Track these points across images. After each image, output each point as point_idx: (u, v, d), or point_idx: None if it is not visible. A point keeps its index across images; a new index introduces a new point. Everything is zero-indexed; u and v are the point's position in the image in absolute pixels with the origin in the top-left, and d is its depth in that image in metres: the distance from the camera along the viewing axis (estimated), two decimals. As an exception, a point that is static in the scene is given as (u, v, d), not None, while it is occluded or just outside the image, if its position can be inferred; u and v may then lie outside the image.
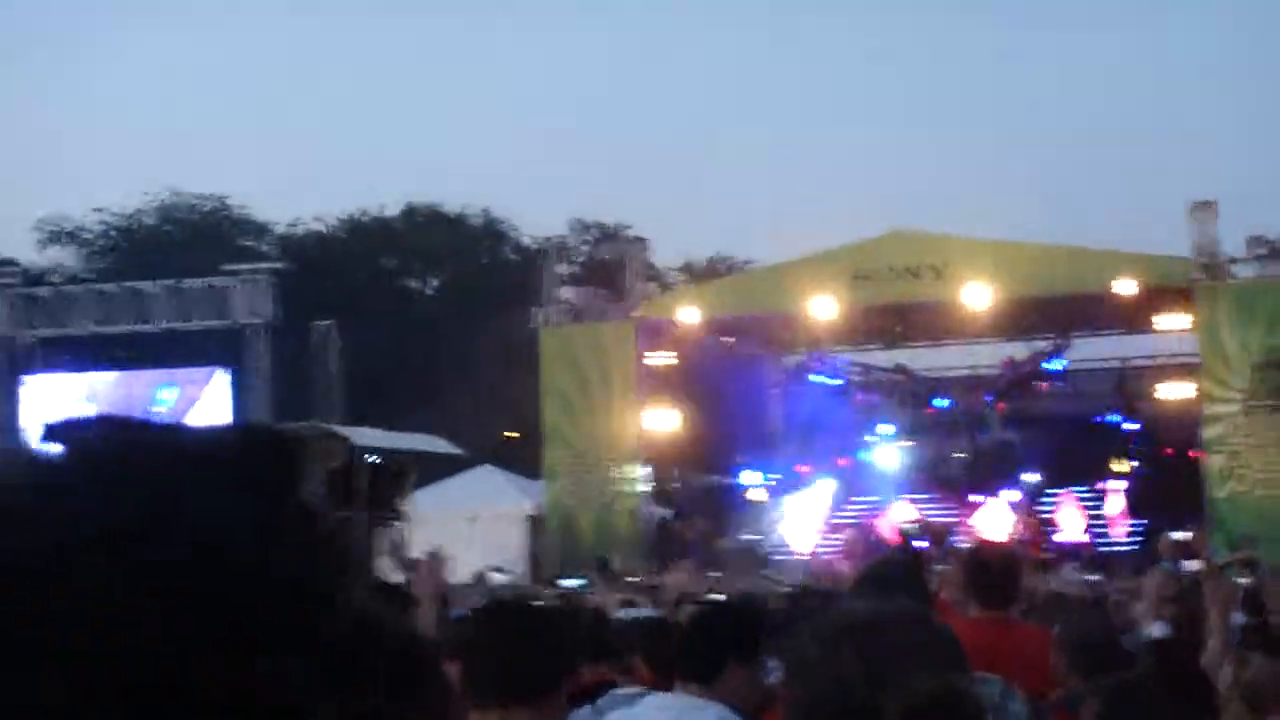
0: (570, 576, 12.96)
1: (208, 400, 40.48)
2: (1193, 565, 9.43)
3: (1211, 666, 7.12)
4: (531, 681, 4.59)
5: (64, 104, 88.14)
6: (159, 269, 42.06)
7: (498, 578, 20.26)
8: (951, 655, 3.01)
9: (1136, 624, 9.37)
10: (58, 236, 56.67)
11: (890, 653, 2.87)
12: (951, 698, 2.87)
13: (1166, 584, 9.13)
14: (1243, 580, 9.43)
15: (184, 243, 51.56)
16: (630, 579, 20.04)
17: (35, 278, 47.44)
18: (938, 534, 28.43)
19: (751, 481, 35.55)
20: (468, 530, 30.86)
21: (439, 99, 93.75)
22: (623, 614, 9.88)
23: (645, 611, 10.36)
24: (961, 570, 6.98)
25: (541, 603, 7.27)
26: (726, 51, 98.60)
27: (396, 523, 27.79)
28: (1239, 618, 8.34)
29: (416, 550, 27.33)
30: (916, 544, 12.79)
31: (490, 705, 4.50)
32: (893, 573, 5.85)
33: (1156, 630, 8.65)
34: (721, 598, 11.79)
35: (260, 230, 57.41)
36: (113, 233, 56.27)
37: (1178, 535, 9.48)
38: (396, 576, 24.58)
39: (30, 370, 39.48)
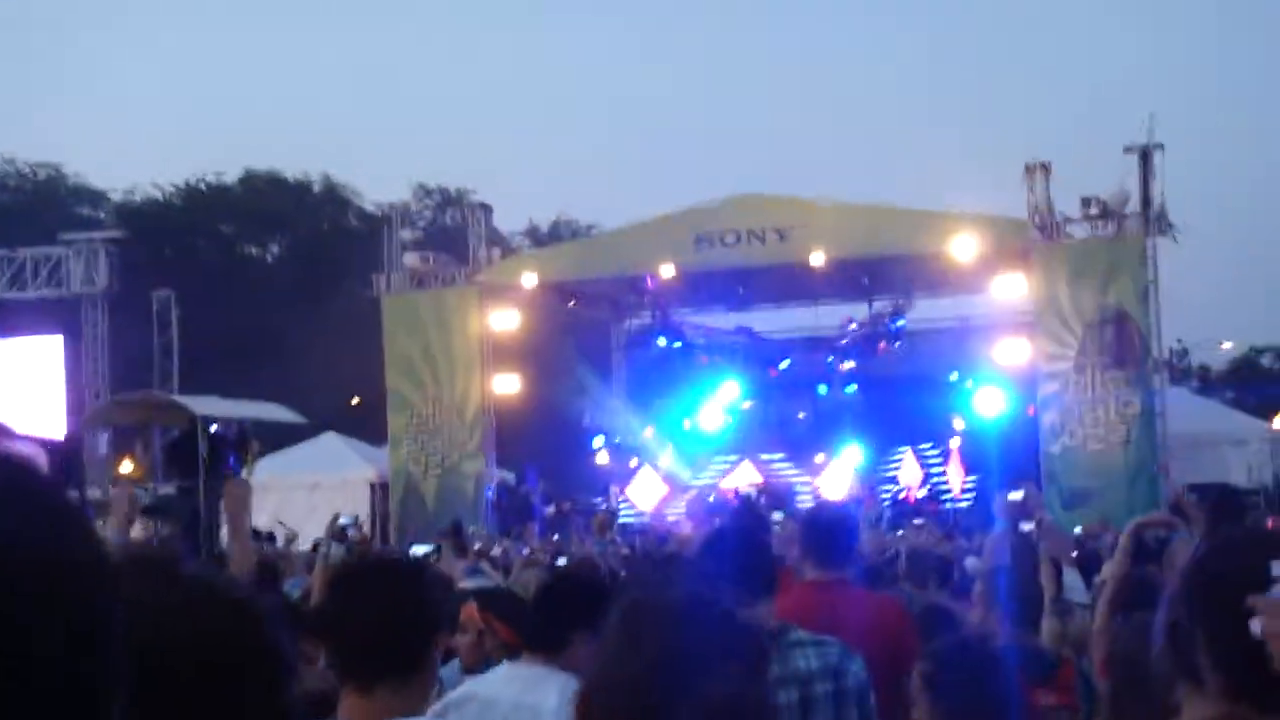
0: (420, 542, 12.89)
1: (43, 370, 39.74)
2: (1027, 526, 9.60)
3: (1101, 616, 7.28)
4: (408, 650, 4.09)
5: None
6: (-9, 237, 41.20)
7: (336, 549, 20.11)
8: (751, 655, 2.99)
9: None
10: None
11: (686, 650, 2.85)
12: (745, 706, 2.85)
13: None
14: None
15: (18, 211, 50.52)
16: (478, 546, 19.98)
17: None
18: (777, 495, 28.72)
19: (596, 445, 35.69)
20: (309, 498, 30.68)
21: (274, 63, 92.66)
22: (468, 583, 9.87)
23: (489, 581, 10.35)
24: (798, 532, 7.05)
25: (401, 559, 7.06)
26: (571, 15, 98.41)
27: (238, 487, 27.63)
28: (1073, 572, 8.53)
29: (260, 519, 27.18)
30: (756, 505, 12.93)
31: (361, 680, 4.01)
32: (732, 540, 5.89)
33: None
34: (562, 561, 11.83)
35: (97, 198, 56.45)
36: (-59, 201, 55.03)
37: (1013, 494, 9.67)
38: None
39: None
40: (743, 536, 6.05)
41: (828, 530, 6.90)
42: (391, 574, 4.44)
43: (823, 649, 5.48)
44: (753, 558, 5.56)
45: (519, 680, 5.23)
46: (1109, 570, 7.52)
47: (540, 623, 5.45)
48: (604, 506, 33.52)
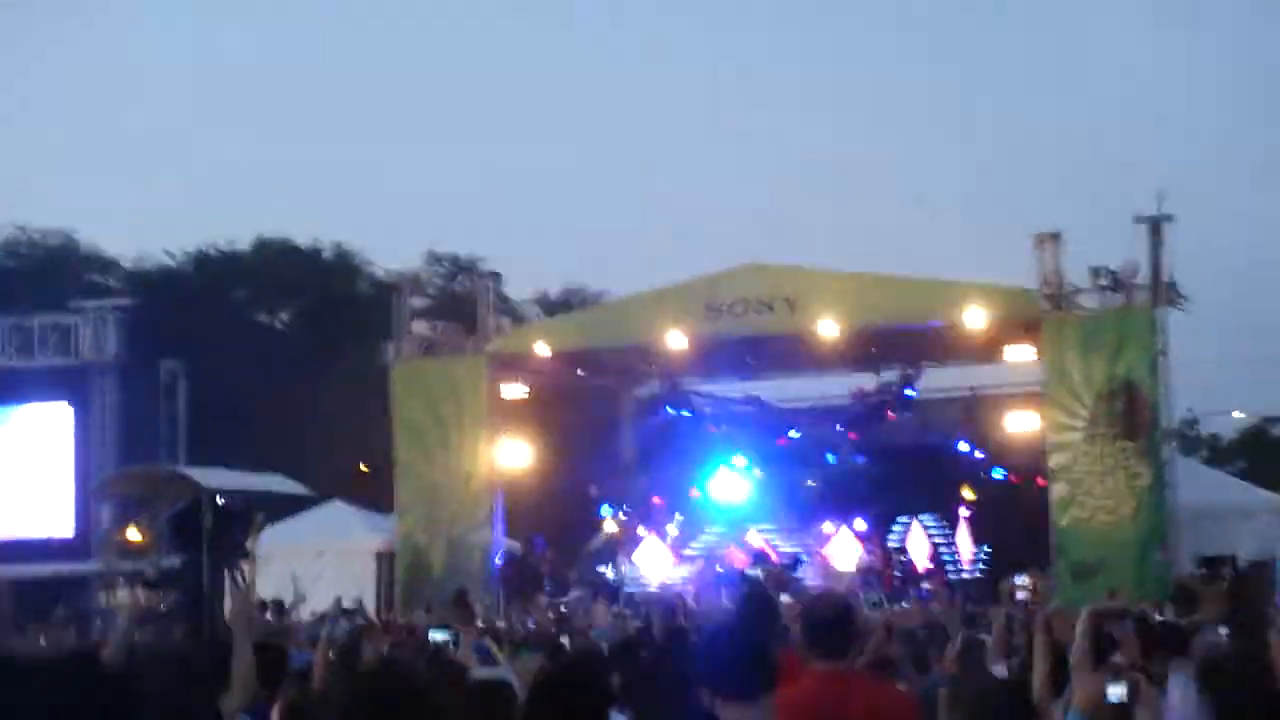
0: (437, 627, 12.71)
1: (53, 438, 39.77)
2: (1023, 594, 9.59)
3: (1039, 700, 7.25)
4: None
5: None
6: (2, 304, 41.27)
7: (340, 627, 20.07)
8: None
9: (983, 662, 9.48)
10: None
11: None
12: None
13: (1005, 629, 9.28)
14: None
15: (28, 278, 50.63)
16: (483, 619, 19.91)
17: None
18: (781, 579, 28.49)
19: (604, 514, 35.57)
20: (315, 566, 30.56)
21: (286, 129, 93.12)
22: (480, 672, 9.72)
23: (498, 671, 10.20)
24: (800, 625, 7.00)
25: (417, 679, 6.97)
26: (582, 86, 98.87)
27: (243, 563, 27.53)
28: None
29: (265, 590, 27.08)
30: (762, 590, 12.89)
31: None
32: (734, 637, 5.84)
33: (997, 670, 8.77)
34: (563, 641, 11.72)
35: (108, 265, 56.57)
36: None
37: (1020, 580, 9.58)
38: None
39: None
40: (745, 632, 6.00)
41: (830, 623, 6.85)
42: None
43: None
44: (754, 655, 5.50)
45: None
46: (1037, 669, 7.49)
47: None
48: (611, 575, 33.41)
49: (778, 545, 33.25)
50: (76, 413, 39.45)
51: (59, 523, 38.89)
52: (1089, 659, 8.24)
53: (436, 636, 12.00)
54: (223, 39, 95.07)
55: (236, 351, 48.37)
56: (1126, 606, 8.57)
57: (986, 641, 11.03)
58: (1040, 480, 29.78)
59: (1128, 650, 8.49)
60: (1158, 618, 13.96)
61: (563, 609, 26.15)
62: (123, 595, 29.94)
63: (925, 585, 28.51)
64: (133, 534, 33.75)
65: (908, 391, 34.23)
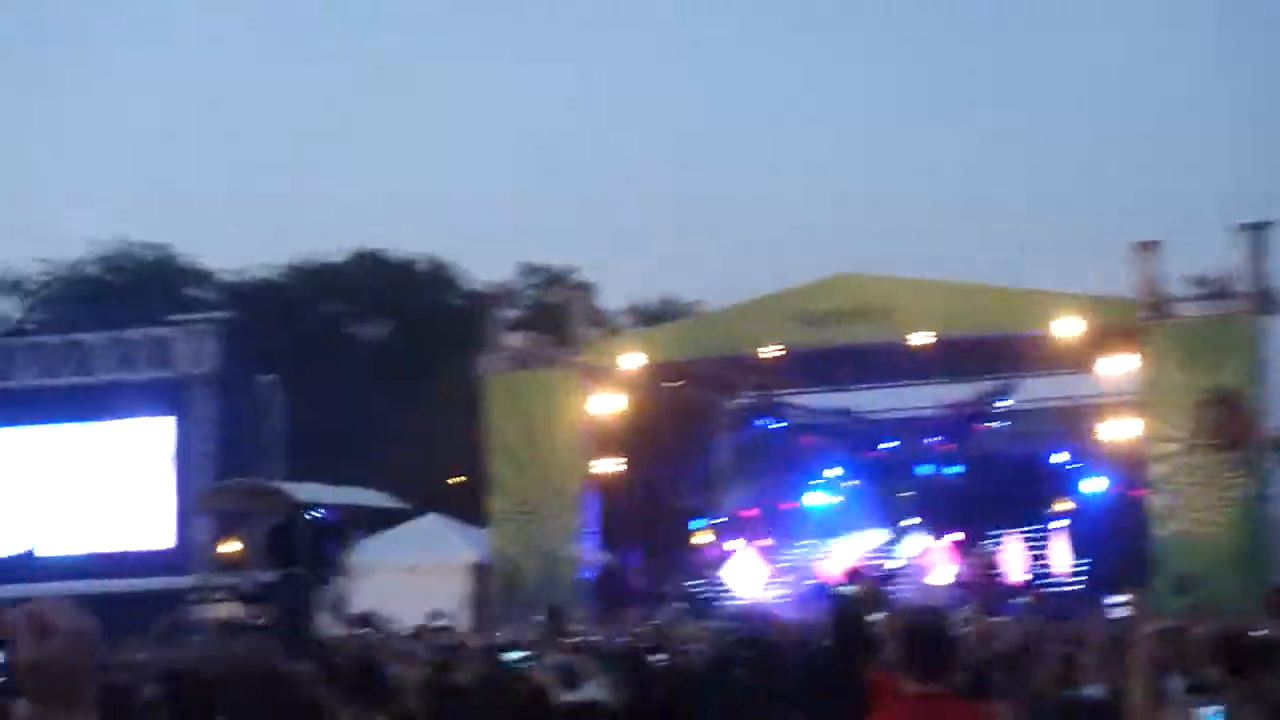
0: (514, 648, 12.69)
1: (154, 453, 40.16)
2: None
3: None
4: None
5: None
6: (103, 319, 41.72)
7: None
8: None
9: (1080, 681, 9.34)
10: (-1, 287, 56.29)
11: None
12: None
13: (1104, 648, 9.12)
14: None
15: (128, 292, 51.18)
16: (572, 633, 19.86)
17: (-24, 330, 47.10)
18: (872, 596, 28.14)
19: (697, 526, 35.51)
20: (408, 581, 30.67)
21: (382, 143, 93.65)
22: (569, 695, 9.61)
23: (587, 692, 10.08)
24: (896, 644, 6.87)
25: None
26: (674, 93, 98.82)
27: (338, 578, 27.75)
28: (1175, 680, 8.28)
29: (359, 605, 27.24)
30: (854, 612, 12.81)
31: None
32: (828, 663, 5.77)
33: (1093, 693, 8.62)
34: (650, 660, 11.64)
35: (205, 278, 57.12)
36: (55, 282, 55.85)
37: (1119, 598, 9.43)
38: (336, 631, 24.46)
39: (-30, 425, 39.11)
40: (839, 655, 5.93)
41: (929, 643, 6.72)
42: None
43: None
44: (848, 679, 5.43)
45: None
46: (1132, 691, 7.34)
47: None
48: (704, 588, 33.32)
49: (871, 558, 33.03)
50: (176, 427, 39.82)
51: (159, 536, 39.27)
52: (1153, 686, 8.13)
53: (509, 656, 11.91)
54: (312, 55, 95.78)
55: (331, 364, 48.71)
56: (1217, 633, 8.43)
57: (1079, 658, 10.86)
58: (1138, 491, 29.45)
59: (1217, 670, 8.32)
60: (1258, 632, 13.74)
61: (657, 624, 26.06)
62: (220, 609, 30.20)
63: (1021, 599, 28.21)
64: (230, 548, 34.07)
65: (1002, 402, 33.98)
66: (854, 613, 9.40)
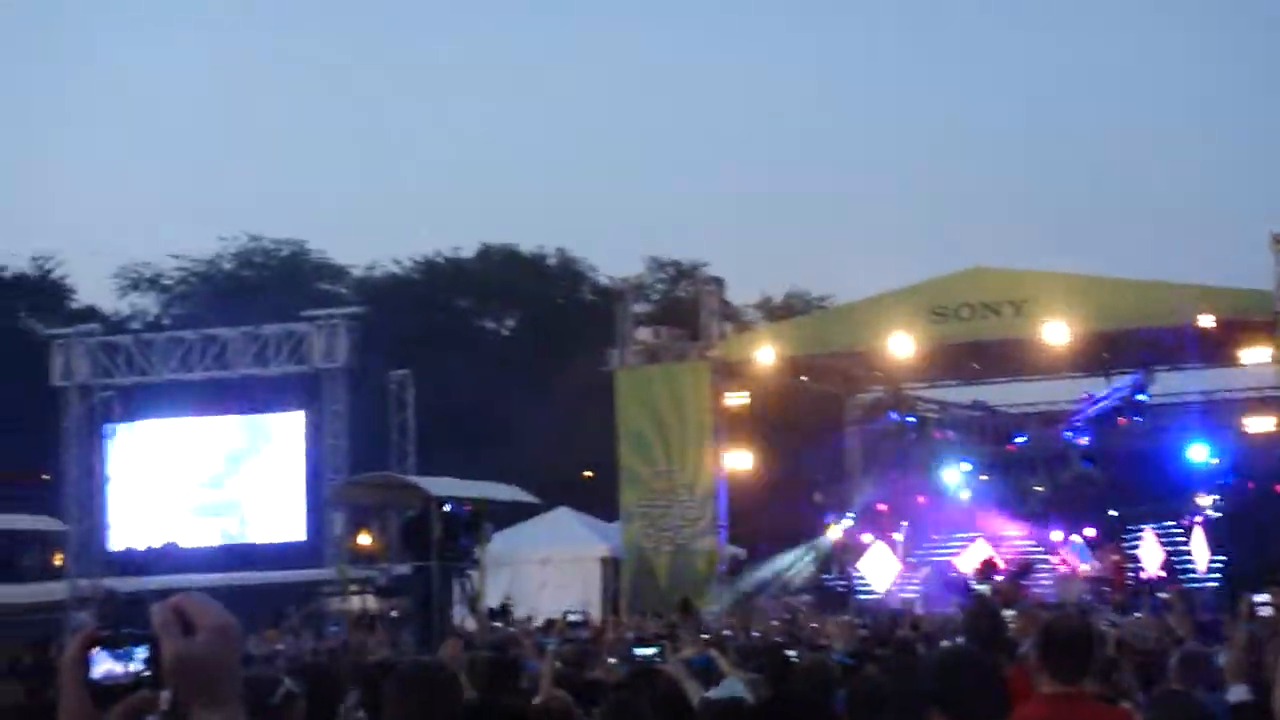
0: (644, 644, 12.65)
1: (286, 446, 40.70)
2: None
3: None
4: None
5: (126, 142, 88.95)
6: (238, 314, 42.29)
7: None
8: None
9: (1222, 683, 9.16)
10: (137, 283, 57.28)
11: None
12: None
13: (1245, 649, 8.92)
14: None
15: (262, 287, 51.91)
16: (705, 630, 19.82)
17: (115, 325, 47.90)
18: (1008, 592, 27.83)
19: (830, 520, 35.38)
20: (541, 573, 30.81)
21: (510, 136, 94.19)
22: (710, 694, 9.53)
23: (727, 688, 9.99)
24: (1035, 643, 6.82)
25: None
26: (800, 89, 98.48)
27: (471, 570, 27.94)
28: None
29: (493, 598, 27.40)
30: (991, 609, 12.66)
31: None
32: (966, 662, 5.71)
33: (1235, 694, 8.44)
34: (792, 654, 11.57)
35: (338, 273, 57.79)
36: (191, 279, 56.77)
37: (1261, 597, 9.28)
38: (469, 624, 24.59)
39: (111, 419, 39.75)
40: (977, 657, 5.86)
41: (1069, 645, 6.67)
42: None
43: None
44: (989, 677, 5.36)
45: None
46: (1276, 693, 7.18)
47: None
48: (838, 582, 33.20)
49: (1006, 553, 32.72)
50: (309, 420, 40.28)
51: (292, 529, 39.79)
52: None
53: (641, 652, 11.85)
54: (438, 46, 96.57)
55: (463, 358, 49.08)
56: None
57: (1213, 657, 10.66)
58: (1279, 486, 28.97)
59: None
60: None
61: (789, 616, 25.98)
62: (355, 602, 30.51)
63: (1160, 595, 27.80)
64: (364, 540, 34.40)
65: (1140, 396, 33.50)
66: (991, 609, 9.31)
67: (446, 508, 26.91)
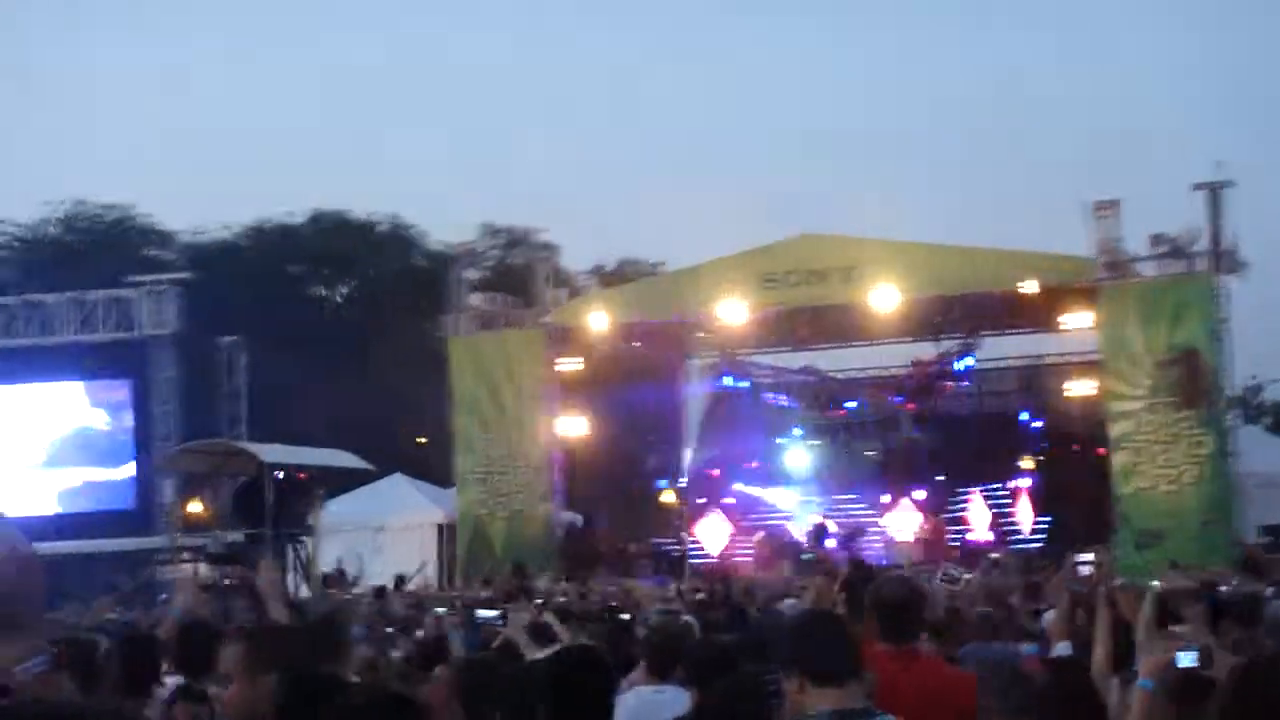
0: (489, 605, 12.83)
1: (114, 413, 40.10)
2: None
3: (1098, 677, 7.20)
4: None
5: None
6: (63, 280, 41.53)
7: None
8: None
9: (1049, 640, 9.43)
10: (-43, 250, 55.94)
11: None
12: None
13: (1069, 606, 9.20)
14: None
15: (89, 253, 50.91)
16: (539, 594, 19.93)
17: (-64, 292, 46.82)
18: (827, 562, 28.10)
19: (662, 486, 35.65)
20: (375, 540, 30.70)
21: (340, 100, 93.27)
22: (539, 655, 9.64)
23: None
24: (869, 606, 6.99)
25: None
26: (634, 54, 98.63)
27: (304, 538, 27.76)
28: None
29: (327, 564, 27.25)
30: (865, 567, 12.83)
31: None
32: (820, 621, 5.84)
33: (1061, 649, 8.71)
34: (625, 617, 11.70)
35: (165, 239, 56.80)
36: (15, 244, 55.53)
37: (1084, 556, 9.56)
38: (303, 592, 24.41)
39: (-67, 386, 38.94)
40: (831, 619, 6.00)
41: (900, 607, 6.86)
42: None
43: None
44: (838, 642, 5.48)
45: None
46: (1097, 650, 7.47)
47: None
48: (670, 548, 33.46)
49: (837, 517, 33.22)
50: (137, 387, 39.72)
51: (122, 497, 39.23)
52: (1155, 630, 8.24)
53: (482, 614, 11.98)
54: (274, 13, 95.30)
55: (294, 325, 48.60)
56: (1197, 588, 8.52)
57: (1045, 615, 10.96)
58: (1101, 449, 29.65)
59: (1193, 622, 8.41)
60: (1223, 588, 13.92)
61: (624, 583, 26.15)
62: (186, 569, 30.18)
63: (990, 556, 28.38)
64: (195, 508, 34.01)
65: (965, 361, 34.11)
66: (868, 572, 9.54)
67: (279, 474, 26.72)
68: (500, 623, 10.49)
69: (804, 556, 27.71)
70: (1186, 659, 5.34)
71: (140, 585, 30.48)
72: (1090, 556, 9.85)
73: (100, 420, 40.16)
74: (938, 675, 6.80)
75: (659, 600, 18.52)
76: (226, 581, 26.92)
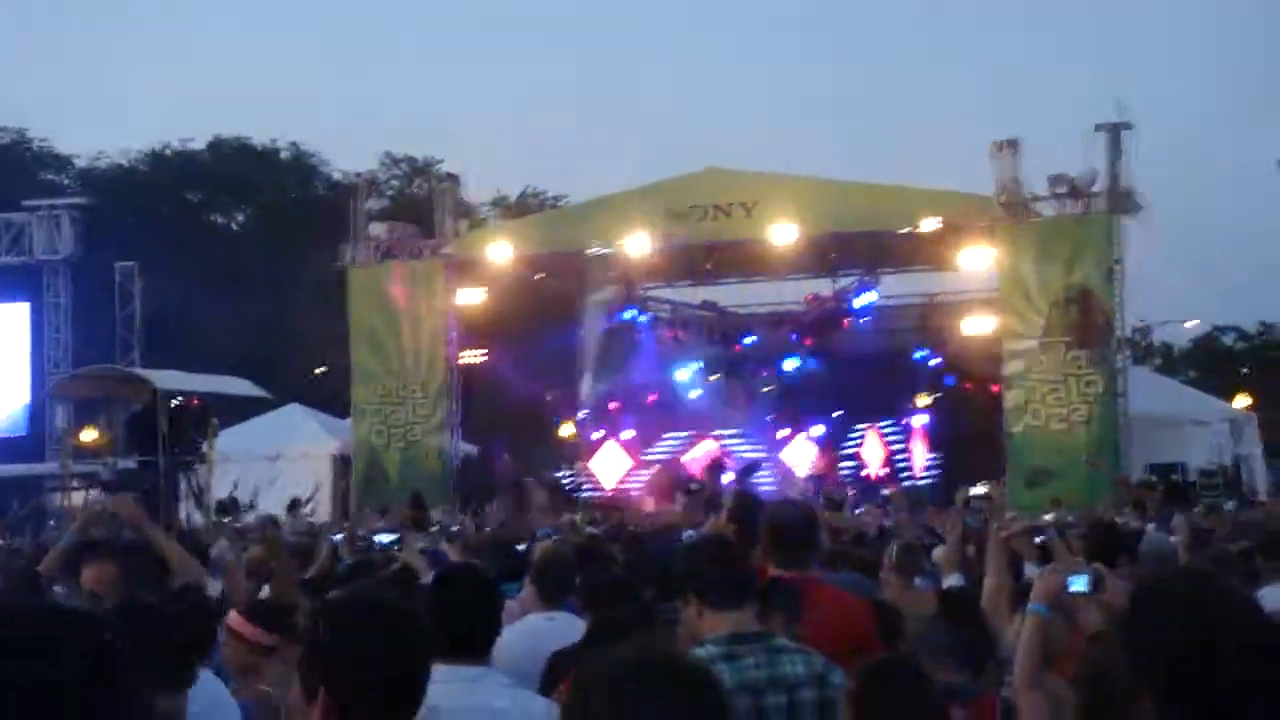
0: (386, 530, 12.90)
1: (9, 338, 39.56)
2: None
3: (990, 608, 7.32)
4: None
5: None
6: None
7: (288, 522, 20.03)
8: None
9: (939, 571, 9.54)
10: None
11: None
12: None
13: (960, 540, 9.32)
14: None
15: (-20, 176, 50.11)
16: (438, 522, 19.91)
17: None
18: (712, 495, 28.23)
19: (562, 419, 35.69)
20: (270, 469, 30.52)
21: (243, 26, 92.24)
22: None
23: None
24: (762, 532, 7.03)
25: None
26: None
27: (198, 465, 27.58)
28: (1032, 569, 8.48)
29: (220, 492, 27.04)
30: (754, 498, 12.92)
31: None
32: (712, 547, 5.89)
33: (952, 580, 8.83)
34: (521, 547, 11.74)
35: (62, 163, 56.03)
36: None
37: (977, 489, 9.70)
38: (196, 519, 24.17)
39: None
40: (725, 543, 6.04)
41: (791, 530, 6.89)
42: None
43: (808, 656, 5.47)
44: (732, 565, 5.53)
45: (460, 684, 5.14)
46: (988, 581, 7.64)
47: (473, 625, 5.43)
48: (568, 479, 33.52)
49: (734, 451, 33.38)
50: (31, 312, 39.24)
51: (12, 423, 38.78)
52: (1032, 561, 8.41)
53: (381, 539, 12.06)
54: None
55: (192, 253, 48.06)
56: (1035, 525, 8.79)
57: (920, 547, 11.09)
58: (995, 387, 29.96)
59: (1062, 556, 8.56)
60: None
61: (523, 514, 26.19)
62: (77, 496, 29.91)
63: (883, 491, 28.66)
64: (88, 435, 33.69)
65: (864, 297, 34.31)
66: (754, 498, 9.58)
67: (174, 401, 26.52)
68: (397, 548, 10.51)
69: (692, 488, 27.85)
70: (1079, 583, 5.44)
71: (30, 512, 30.19)
72: (982, 490, 9.97)
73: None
74: (834, 601, 6.86)
75: (555, 531, 18.54)
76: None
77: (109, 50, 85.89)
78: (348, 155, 56.28)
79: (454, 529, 18.27)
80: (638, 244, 30.82)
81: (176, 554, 7.93)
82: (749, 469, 31.79)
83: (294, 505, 25.55)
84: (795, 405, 34.04)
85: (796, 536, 6.86)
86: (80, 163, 56.12)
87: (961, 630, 6.32)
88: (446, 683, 5.06)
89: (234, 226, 59.14)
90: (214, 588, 8.92)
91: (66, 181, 52.77)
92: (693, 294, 36.83)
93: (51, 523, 28.56)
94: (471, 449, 33.57)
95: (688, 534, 14.98)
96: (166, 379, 27.86)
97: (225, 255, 50.93)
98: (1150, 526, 14.88)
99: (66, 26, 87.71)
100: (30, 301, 39.19)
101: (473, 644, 5.33)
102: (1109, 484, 25.75)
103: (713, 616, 5.33)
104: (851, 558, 10.91)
